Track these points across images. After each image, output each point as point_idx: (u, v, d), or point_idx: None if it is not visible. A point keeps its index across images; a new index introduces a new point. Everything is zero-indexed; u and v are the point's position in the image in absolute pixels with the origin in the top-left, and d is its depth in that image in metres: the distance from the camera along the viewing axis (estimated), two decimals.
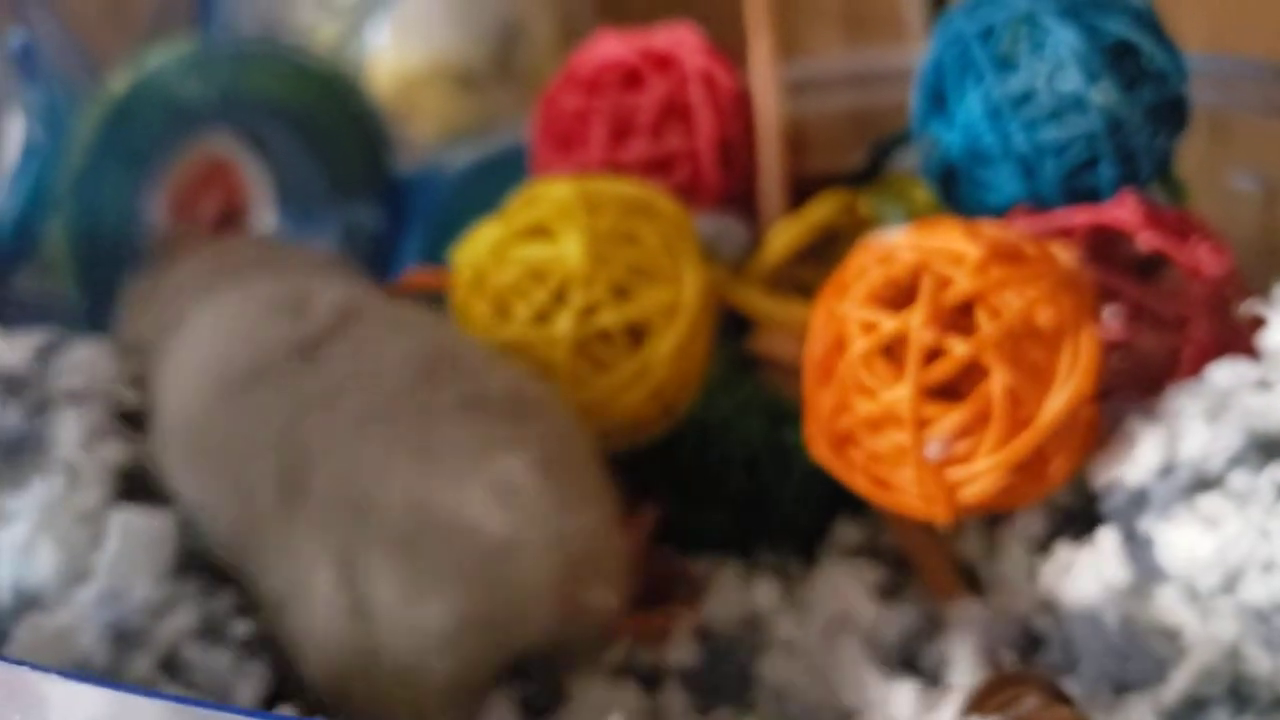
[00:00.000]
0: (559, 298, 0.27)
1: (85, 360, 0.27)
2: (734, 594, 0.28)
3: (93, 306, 0.35)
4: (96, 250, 0.35)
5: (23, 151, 0.34)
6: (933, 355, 0.24)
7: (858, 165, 0.32)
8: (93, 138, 0.35)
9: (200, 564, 0.24)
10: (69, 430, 0.25)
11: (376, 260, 0.39)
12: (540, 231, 0.28)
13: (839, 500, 0.28)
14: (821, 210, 0.30)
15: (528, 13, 0.43)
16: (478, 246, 0.28)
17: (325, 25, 0.40)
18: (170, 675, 0.24)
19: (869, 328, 0.25)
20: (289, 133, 0.38)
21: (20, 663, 0.17)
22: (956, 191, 0.29)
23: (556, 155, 0.31)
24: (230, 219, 0.40)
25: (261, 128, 0.37)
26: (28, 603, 0.24)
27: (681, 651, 0.27)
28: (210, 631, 0.24)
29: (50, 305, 0.36)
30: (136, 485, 0.25)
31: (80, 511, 0.24)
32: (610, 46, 0.31)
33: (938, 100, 0.29)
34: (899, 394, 0.24)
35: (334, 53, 0.39)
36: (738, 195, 0.31)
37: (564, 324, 0.27)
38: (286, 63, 0.37)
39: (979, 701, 0.23)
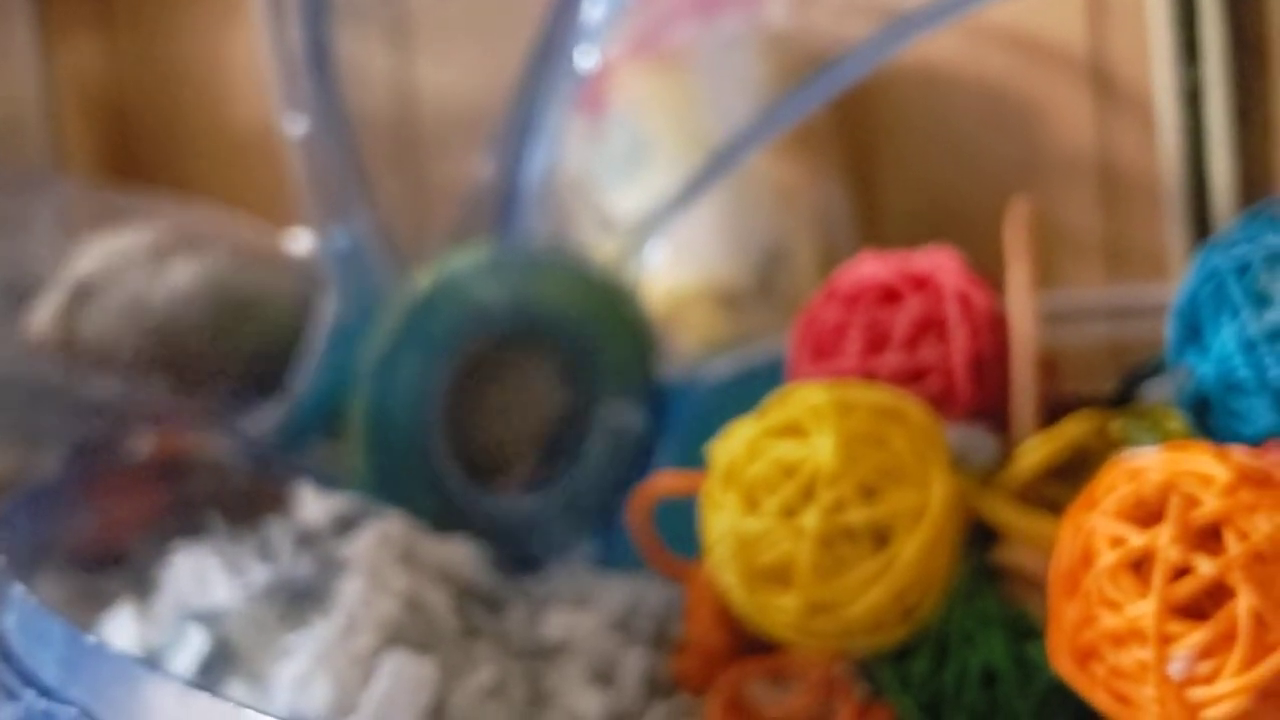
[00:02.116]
0: (807, 494, 0.28)
1: (374, 530, 0.30)
2: None
3: (376, 481, 0.38)
4: (388, 430, 0.39)
5: (332, 332, 0.38)
6: (1179, 573, 0.25)
7: (1111, 392, 0.33)
8: (396, 327, 0.38)
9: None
10: (352, 585, 0.28)
11: (637, 460, 0.41)
12: (793, 430, 0.29)
13: (1078, 717, 0.28)
14: (1073, 429, 0.30)
15: (793, 239, 0.45)
16: (733, 441, 0.30)
17: (607, 243, 0.43)
18: None
19: (1117, 542, 0.25)
20: (565, 336, 0.41)
21: None
22: (1210, 421, 0.30)
23: (813, 364, 0.33)
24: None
25: (540, 330, 0.41)
26: None
27: None
28: None
29: (335, 478, 0.39)
30: (403, 636, 0.27)
31: (354, 654, 0.27)
32: (871, 266, 0.33)
33: (1192, 332, 0.30)
34: (1144, 609, 0.25)
35: (614, 268, 0.42)
36: (988, 410, 0.32)
37: (810, 518, 0.28)
38: (571, 273, 0.41)
39: None
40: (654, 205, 0.42)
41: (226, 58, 0.74)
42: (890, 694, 0.30)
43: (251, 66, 0.74)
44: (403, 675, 0.26)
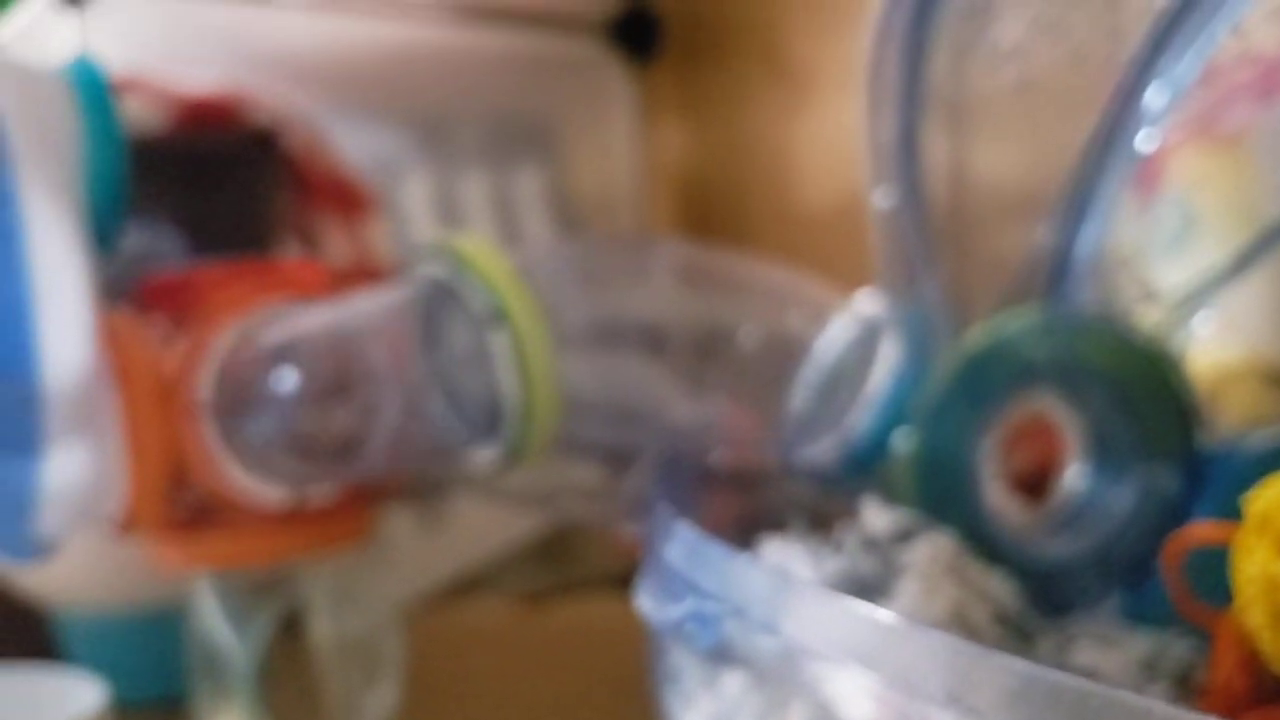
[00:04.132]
0: None
1: (929, 543, 0.34)
2: None
3: (923, 515, 0.43)
4: (936, 472, 0.43)
5: (891, 377, 0.43)
6: None
7: None
8: (948, 381, 0.43)
9: None
10: (909, 586, 0.33)
11: (1169, 520, 0.43)
12: None
13: None
14: None
15: None
16: (1269, 492, 0.32)
17: (1153, 315, 0.45)
18: None
19: None
20: (1108, 398, 0.44)
21: None
22: None
23: None
24: (1043, 469, 0.46)
25: (1084, 390, 0.44)
26: None
27: None
28: None
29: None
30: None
31: None
32: None
33: None
34: None
35: (1159, 338, 0.44)
36: None
37: None
38: (1117, 338, 0.43)
39: None
40: (1202, 280, 0.44)
41: (794, 140, 0.82)
42: None
43: (816, 147, 0.81)
44: None
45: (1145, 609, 0.42)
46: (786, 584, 0.25)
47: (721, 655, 0.26)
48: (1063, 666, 0.36)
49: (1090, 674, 0.35)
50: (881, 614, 0.23)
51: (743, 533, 0.38)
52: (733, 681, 0.27)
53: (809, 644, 0.24)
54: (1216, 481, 0.43)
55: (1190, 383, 0.44)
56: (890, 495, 0.43)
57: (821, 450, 0.45)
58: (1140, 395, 0.44)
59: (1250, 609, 0.31)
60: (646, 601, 0.30)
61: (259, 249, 0.55)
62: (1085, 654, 0.36)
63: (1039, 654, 0.37)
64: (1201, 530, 0.36)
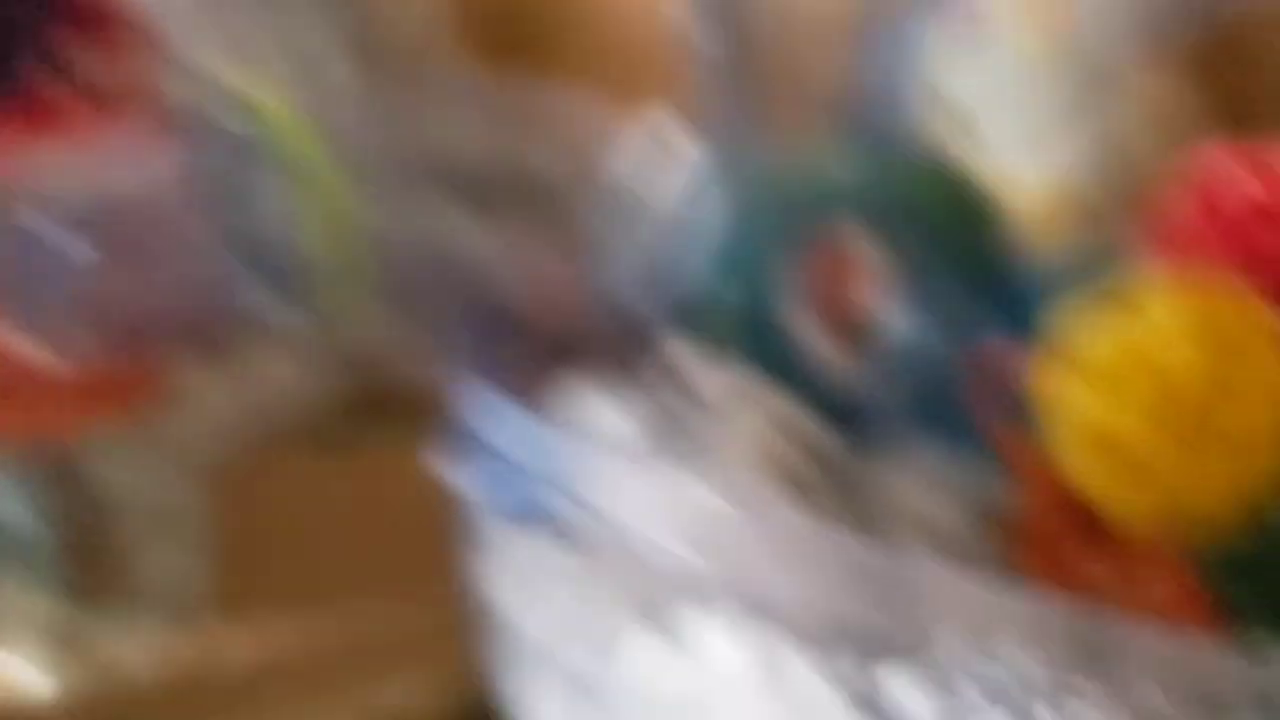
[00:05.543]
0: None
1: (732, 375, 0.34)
2: None
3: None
4: (744, 313, 0.42)
5: (680, 206, 0.42)
6: None
7: None
8: (754, 217, 0.42)
9: None
10: (712, 426, 0.32)
11: (971, 343, 0.43)
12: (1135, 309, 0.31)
13: None
14: None
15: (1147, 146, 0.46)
16: (1098, 340, 0.32)
17: (966, 146, 0.45)
18: None
19: None
20: (918, 230, 0.43)
21: None
22: None
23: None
24: (854, 305, 0.46)
25: (894, 223, 0.43)
26: None
27: None
28: None
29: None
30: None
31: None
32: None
33: None
34: None
35: (973, 169, 0.44)
36: None
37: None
38: (929, 171, 0.43)
39: None
40: (1020, 114, 0.44)
41: None
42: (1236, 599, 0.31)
43: None
44: None
45: (956, 440, 0.42)
46: (593, 449, 0.24)
47: (526, 517, 0.25)
48: (895, 512, 0.36)
49: (928, 523, 0.35)
50: (692, 485, 0.22)
51: (549, 377, 0.37)
52: (537, 543, 0.26)
53: (617, 510, 0.23)
54: (1027, 310, 0.44)
55: (1002, 214, 0.44)
56: (703, 336, 0.43)
57: (628, 285, 0.44)
58: (951, 227, 0.43)
59: (1076, 456, 0.31)
60: (448, 462, 0.29)
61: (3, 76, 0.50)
62: (915, 499, 0.36)
63: (864, 499, 0.37)
64: (1004, 353, 0.35)
